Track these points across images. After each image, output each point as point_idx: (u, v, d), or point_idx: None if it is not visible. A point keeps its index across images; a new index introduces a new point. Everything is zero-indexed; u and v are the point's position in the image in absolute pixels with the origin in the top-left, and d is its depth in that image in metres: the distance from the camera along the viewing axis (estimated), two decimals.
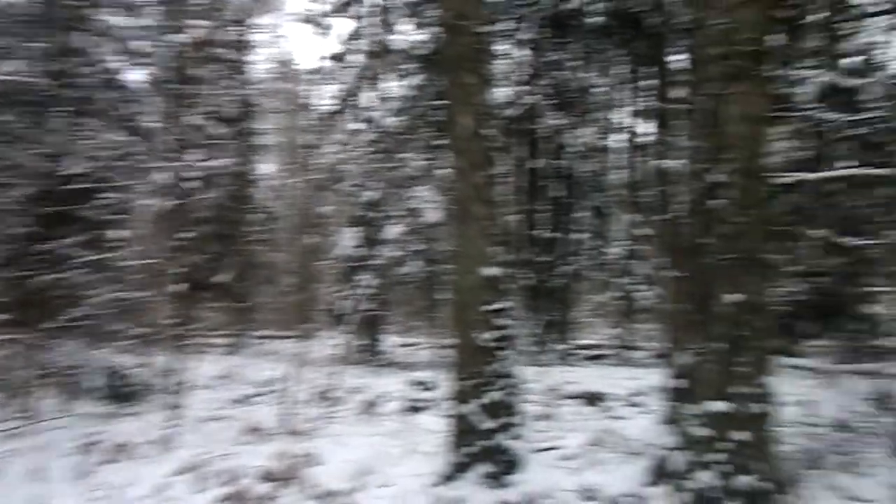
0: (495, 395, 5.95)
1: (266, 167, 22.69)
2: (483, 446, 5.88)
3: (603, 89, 15.88)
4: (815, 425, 6.63)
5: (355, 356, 13.62)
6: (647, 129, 15.54)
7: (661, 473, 5.31)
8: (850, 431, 6.45)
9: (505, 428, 5.96)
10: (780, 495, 4.95)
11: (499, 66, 14.81)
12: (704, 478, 4.88)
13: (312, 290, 17.29)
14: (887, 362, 6.90)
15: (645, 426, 6.73)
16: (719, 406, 4.93)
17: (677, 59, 12.20)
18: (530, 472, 5.89)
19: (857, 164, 8.37)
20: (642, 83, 15.14)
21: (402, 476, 6.04)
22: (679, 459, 5.10)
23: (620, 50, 14.88)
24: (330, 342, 13.50)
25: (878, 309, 8.91)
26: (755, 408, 4.95)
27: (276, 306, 19.13)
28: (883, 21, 10.52)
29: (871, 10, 10.17)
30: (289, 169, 23.89)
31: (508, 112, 14.57)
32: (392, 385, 9.90)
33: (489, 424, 5.89)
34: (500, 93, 14.07)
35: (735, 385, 4.94)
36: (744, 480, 4.81)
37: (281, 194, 23.43)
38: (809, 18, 10.38)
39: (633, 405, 8.43)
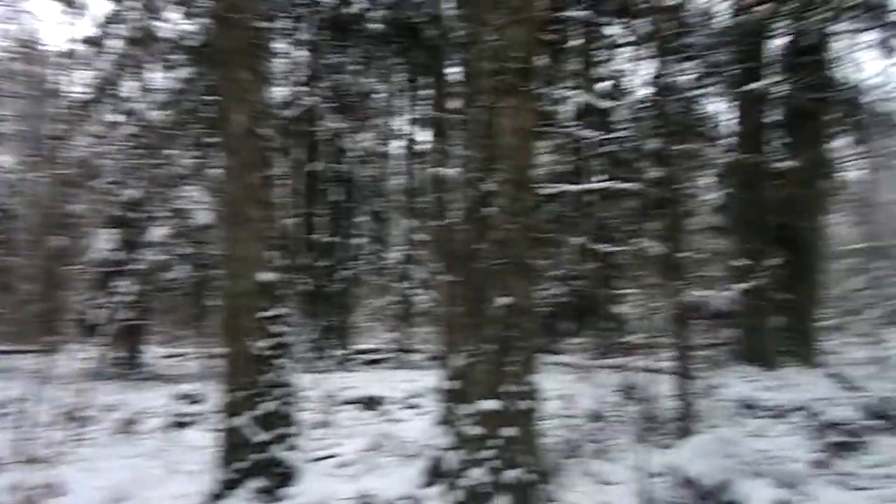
0: (270, 406, 5.69)
1: (2, 158, 19.99)
2: (256, 460, 5.59)
3: (383, 95, 16.10)
4: (573, 417, 7.20)
5: (111, 370, 12.40)
6: (425, 136, 16.01)
7: (436, 474, 5.41)
8: (603, 421, 7.08)
9: (280, 439, 5.73)
10: (543, 485, 5.27)
11: (277, 64, 14.38)
12: (476, 475, 5.05)
13: (59, 298, 15.47)
14: (632, 357, 7.73)
15: (422, 428, 6.85)
16: (490, 405, 5.13)
17: (453, 71, 12.71)
18: (306, 483, 5.72)
19: (608, 178, 9.29)
20: (421, 92, 15.58)
21: (164, 499, 5.55)
22: (453, 459, 5.23)
23: (399, 58, 15.18)
24: (80, 356, 12.13)
25: (624, 309, 9.95)
26: (523, 404, 5.23)
27: (15, 317, 16.89)
28: (629, 52, 11.81)
29: (620, 41, 11.37)
30: (31, 161, 21.20)
31: (286, 112, 14.21)
32: (154, 400, 9.13)
33: (263, 437, 5.62)
34: (278, 92, 13.66)
35: (505, 384, 5.18)
36: (512, 474, 5.04)
37: (21, 190, 20.74)
38: (570, 44, 11.38)
39: (411, 408, 8.57)
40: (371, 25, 14.68)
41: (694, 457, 5.71)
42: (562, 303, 10.41)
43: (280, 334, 5.83)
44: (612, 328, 10.25)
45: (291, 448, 5.80)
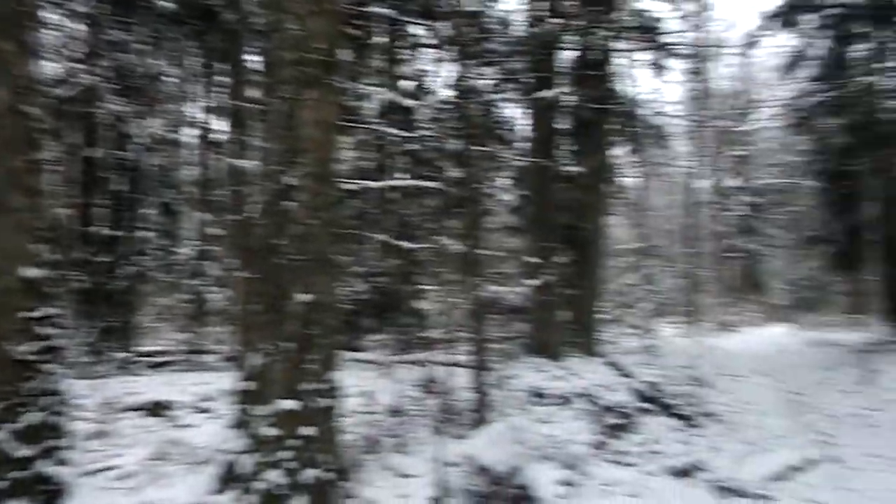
0: (35, 417, 5.06)
1: None
2: (16, 479, 4.94)
3: (174, 79, 15.03)
4: (374, 413, 7.20)
5: None
6: (221, 125, 15.17)
7: (229, 479, 5.13)
8: (403, 415, 7.15)
9: (47, 453, 5.11)
10: (343, 483, 5.21)
11: (48, 37, 12.88)
12: (272, 477, 4.86)
13: None
14: (432, 351, 7.91)
15: (214, 432, 6.47)
16: (288, 404, 4.97)
17: (253, 59, 12.19)
18: (78, 500, 5.17)
19: (410, 176, 9.42)
20: (217, 78, 14.74)
21: None
22: (247, 462, 5.00)
23: (193, 41, 14.26)
24: None
25: (425, 305, 10.15)
26: (322, 403, 5.13)
27: None
28: (432, 53, 12.08)
29: (423, 41, 11.60)
30: None
31: (59, 91, 12.78)
32: None
33: (26, 452, 4.98)
34: (49, 68, 12.24)
35: (304, 382, 5.04)
36: (310, 474, 4.93)
37: None
38: (374, 40, 11.39)
39: (202, 412, 8.06)
40: (161, 3, 13.64)
41: (487, 445, 5.96)
42: (364, 299, 10.41)
43: (48, 337, 5.20)
44: (413, 324, 10.42)
45: (61, 462, 5.20)
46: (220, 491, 5.12)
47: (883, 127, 13.21)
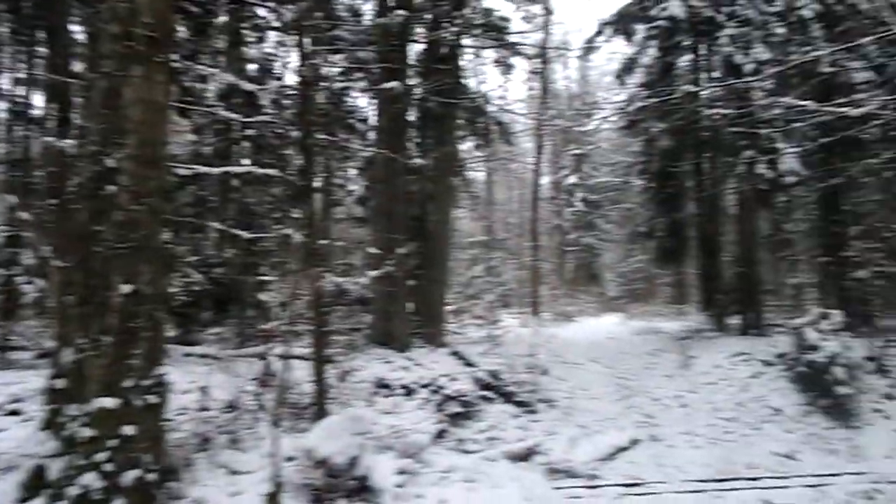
0: None
1: None
2: None
3: None
4: (208, 409, 6.89)
5: None
6: (36, 100, 13.76)
7: (38, 485, 4.72)
8: (239, 410, 6.90)
9: None
10: (169, 483, 4.95)
11: None
12: (86, 481, 4.53)
13: None
14: (272, 344, 7.66)
15: (23, 435, 5.92)
16: (107, 402, 4.64)
17: (76, 30, 11.19)
18: None
19: (252, 162, 9.05)
20: (33, 49, 13.36)
21: None
22: (59, 466, 4.62)
23: (2, 5, 12.82)
24: None
25: (267, 296, 9.82)
26: (147, 400, 4.83)
27: None
28: (277, 37, 11.73)
29: (269, 24, 11.22)
30: None
31: None
32: None
33: None
34: None
35: (125, 379, 4.73)
36: (131, 475, 4.63)
37: None
38: (217, 20, 10.84)
39: (11, 414, 7.34)
40: None
41: (326, 438, 5.88)
42: (201, 291, 9.91)
43: None
44: (253, 316, 10.07)
45: None
46: (27, 498, 4.69)
47: (702, 133, 14.40)
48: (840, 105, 7.85)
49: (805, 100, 9.95)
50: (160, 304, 5.05)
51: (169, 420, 5.14)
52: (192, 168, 7.39)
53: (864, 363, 10.31)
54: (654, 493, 7.37)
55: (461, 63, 13.37)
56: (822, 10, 12.51)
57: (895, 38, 7.99)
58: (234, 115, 8.71)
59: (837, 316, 10.46)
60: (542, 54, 18.69)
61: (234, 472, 5.53)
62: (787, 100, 8.94)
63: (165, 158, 5.31)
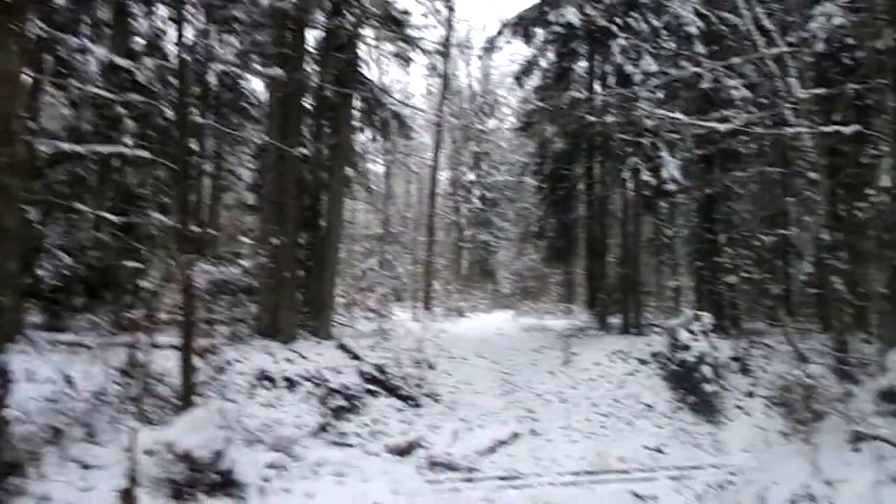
0: None
1: None
2: None
3: None
4: (67, 400, 6.52)
5: None
6: None
7: None
8: (99, 401, 6.56)
9: None
10: (11, 479, 4.65)
11: None
12: None
13: None
14: (141, 333, 7.32)
15: None
16: None
17: None
18: None
19: (131, 143, 8.57)
20: None
21: None
22: None
23: None
24: None
25: (142, 283, 9.38)
26: None
27: None
28: (166, 12, 11.21)
29: None
30: None
31: None
32: None
33: None
34: None
35: None
36: None
37: None
38: None
39: None
40: None
41: (189, 430, 5.68)
42: (71, 275, 9.34)
43: None
44: (127, 303, 9.57)
45: None
46: None
47: (594, 138, 14.86)
48: (710, 120, 8.27)
49: (687, 113, 10.51)
50: (6, 289, 4.72)
51: (13, 411, 4.81)
52: (57, 145, 6.92)
53: (730, 363, 10.96)
54: (530, 486, 7.56)
55: (360, 53, 13.24)
56: (705, 27, 13.15)
57: (762, 58, 8.49)
58: (106, 93, 8.18)
59: (708, 318, 11.09)
60: (443, 51, 18.77)
61: (87, 467, 5.25)
62: (661, 112, 9.33)
63: (19, 133, 4.96)
